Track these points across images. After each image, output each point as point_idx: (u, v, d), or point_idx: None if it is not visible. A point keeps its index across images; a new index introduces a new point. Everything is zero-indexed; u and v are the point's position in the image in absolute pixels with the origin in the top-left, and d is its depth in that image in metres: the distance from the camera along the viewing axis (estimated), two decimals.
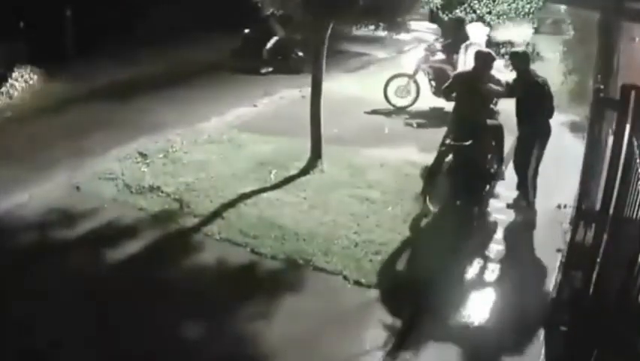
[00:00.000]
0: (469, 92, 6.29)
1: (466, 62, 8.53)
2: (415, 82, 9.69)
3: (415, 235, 5.85)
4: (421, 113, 9.62)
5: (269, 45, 11.89)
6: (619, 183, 3.72)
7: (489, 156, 6.47)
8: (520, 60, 6.24)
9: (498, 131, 6.47)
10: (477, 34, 9.11)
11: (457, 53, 9.35)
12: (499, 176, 6.62)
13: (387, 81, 9.76)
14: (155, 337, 4.27)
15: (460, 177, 6.03)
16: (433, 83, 9.60)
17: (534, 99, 6.07)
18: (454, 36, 9.89)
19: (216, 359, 4.20)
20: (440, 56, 9.75)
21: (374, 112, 9.60)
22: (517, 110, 6.27)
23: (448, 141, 6.20)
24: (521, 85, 6.17)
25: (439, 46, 10.00)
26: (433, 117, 9.30)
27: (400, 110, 9.65)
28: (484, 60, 6.35)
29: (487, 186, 6.57)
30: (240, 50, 12.04)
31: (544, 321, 4.54)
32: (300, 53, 11.91)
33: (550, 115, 6.22)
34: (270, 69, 11.85)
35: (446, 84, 6.88)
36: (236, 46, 12.10)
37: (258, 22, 11.39)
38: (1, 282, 4.79)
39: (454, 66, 9.34)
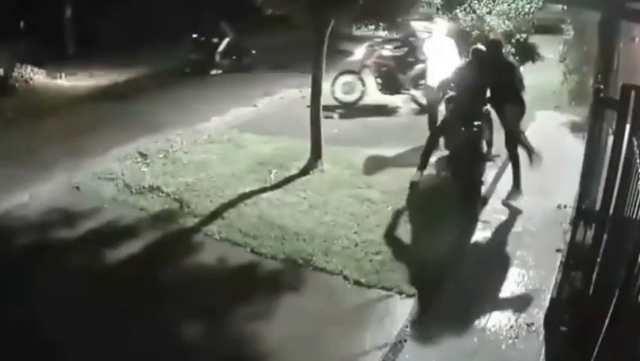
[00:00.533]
0: (469, 83, 6.75)
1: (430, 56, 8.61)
2: (361, 79, 9.86)
3: (415, 232, 5.85)
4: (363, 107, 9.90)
5: (221, 47, 11.85)
6: (619, 183, 3.72)
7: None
8: (495, 47, 7.03)
9: (489, 117, 7.01)
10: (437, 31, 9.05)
11: (402, 48, 9.77)
12: (490, 157, 7.20)
13: (334, 78, 9.85)
14: (154, 337, 4.27)
15: (468, 159, 6.48)
16: (379, 80, 9.78)
17: (510, 78, 6.84)
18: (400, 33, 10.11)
19: (216, 359, 4.20)
20: (384, 52, 9.90)
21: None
22: (497, 95, 6.75)
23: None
24: (494, 68, 6.76)
25: (381, 42, 10.29)
26: (361, 110, 9.69)
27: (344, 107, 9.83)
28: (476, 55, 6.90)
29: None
30: (191, 53, 11.90)
31: (544, 321, 4.54)
32: (254, 51, 12.00)
33: (523, 89, 7.03)
34: (220, 71, 11.80)
35: (443, 79, 7.17)
36: (186, 49, 11.94)
37: (207, 25, 11.45)
38: (1, 282, 4.79)
39: (399, 61, 9.60)
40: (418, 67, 9.64)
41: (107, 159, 7.30)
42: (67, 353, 4.09)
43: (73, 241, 5.57)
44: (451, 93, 7.22)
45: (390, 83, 9.70)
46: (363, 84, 9.85)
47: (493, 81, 6.73)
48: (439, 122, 7.67)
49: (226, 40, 11.91)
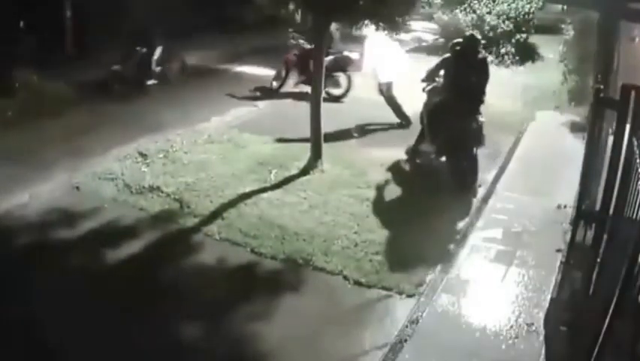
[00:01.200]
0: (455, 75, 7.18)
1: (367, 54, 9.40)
2: (284, 70, 10.95)
3: (415, 231, 5.85)
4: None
5: (156, 55, 11.14)
6: (619, 183, 3.73)
7: None
8: (475, 42, 7.25)
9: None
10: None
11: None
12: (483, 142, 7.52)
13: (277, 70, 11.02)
14: (154, 337, 4.27)
15: (466, 148, 6.90)
16: (295, 71, 10.88)
17: (485, 75, 7.18)
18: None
19: (216, 359, 4.20)
20: (300, 47, 10.77)
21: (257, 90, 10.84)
22: (468, 88, 6.94)
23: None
24: (471, 63, 7.13)
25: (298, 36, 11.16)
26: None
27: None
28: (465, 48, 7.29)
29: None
30: (123, 66, 10.91)
31: (544, 321, 4.54)
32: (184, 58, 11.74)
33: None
34: (156, 81, 11.03)
35: (429, 70, 7.57)
36: (117, 63, 10.92)
37: (137, 35, 10.93)
38: (1, 282, 4.79)
39: (308, 54, 10.26)
40: (326, 59, 10.07)
41: (107, 159, 7.30)
42: (67, 353, 4.08)
43: (74, 241, 5.56)
44: (434, 84, 7.55)
45: (300, 74, 10.63)
46: (286, 74, 10.93)
47: (468, 76, 7.03)
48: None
49: (160, 48, 11.19)
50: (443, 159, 7.24)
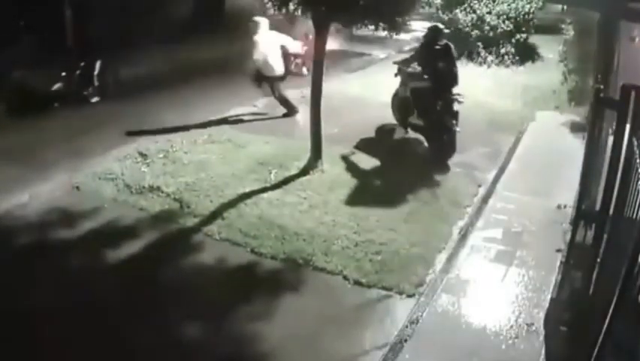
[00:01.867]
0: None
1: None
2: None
3: (416, 230, 5.85)
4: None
5: (97, 70, 10.46)
6: (619, 183, 3.73)
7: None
8: (437, 32, 8.12)
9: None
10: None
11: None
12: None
13: None
14: (155, 337, 4.27)
15: (448, 124, 7.63)
16: None
17: (449, 58, 7.98)
18: None
19: (216, 359, 4.21)
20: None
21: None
22: (438, 72, 7.76)
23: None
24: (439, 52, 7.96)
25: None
26: None
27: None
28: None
29: None
30: (63, 84, 10.13)
31: (544, 321, 4.54)
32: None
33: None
34: (98, 98, 10.28)
35: (405, 58, 8.56)
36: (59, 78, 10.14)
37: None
38: (1, 282, 4.79)
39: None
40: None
41: (107, 159, 7.30)
42: (67, 354, 4.08)
43: (74, 241, 5.56)
44: (408, 70, 8.23)
45: None
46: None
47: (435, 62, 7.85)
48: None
49: (99, 62, 10.50)
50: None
